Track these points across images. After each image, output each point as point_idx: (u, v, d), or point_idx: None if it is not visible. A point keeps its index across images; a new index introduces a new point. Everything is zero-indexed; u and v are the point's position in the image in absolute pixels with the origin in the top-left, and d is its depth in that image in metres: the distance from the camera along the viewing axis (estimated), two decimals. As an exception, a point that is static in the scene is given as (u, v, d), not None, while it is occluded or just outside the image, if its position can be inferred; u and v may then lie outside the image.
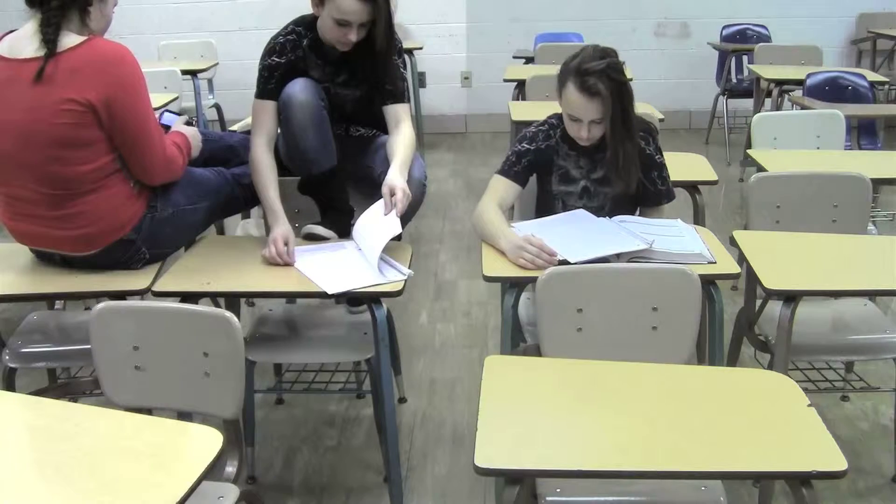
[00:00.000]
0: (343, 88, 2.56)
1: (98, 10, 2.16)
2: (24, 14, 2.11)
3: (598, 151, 2.41)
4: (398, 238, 2.49)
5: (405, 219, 2.46)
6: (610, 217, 2.41)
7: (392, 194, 2.26)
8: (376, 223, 2.28)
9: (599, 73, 2.25)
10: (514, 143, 2.48)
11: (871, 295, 2.53)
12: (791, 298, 2.13)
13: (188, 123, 2.50)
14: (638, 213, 2.50)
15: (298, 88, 2.45)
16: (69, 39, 2.08)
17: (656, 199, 2.47)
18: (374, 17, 2.37)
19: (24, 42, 2.09)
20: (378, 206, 2.30)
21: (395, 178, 2.30)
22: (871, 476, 2.46)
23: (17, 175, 2.15)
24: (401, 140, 2.45)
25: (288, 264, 2.26)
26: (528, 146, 2.43)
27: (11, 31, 2.15)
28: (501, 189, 2.42)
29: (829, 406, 2.78)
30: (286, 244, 2.28)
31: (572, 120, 2.33)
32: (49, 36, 2.05)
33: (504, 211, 2.38)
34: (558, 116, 2.45)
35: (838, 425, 2.67)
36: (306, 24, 2.51)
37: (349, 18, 2.35)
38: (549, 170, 2.45)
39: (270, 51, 2.51)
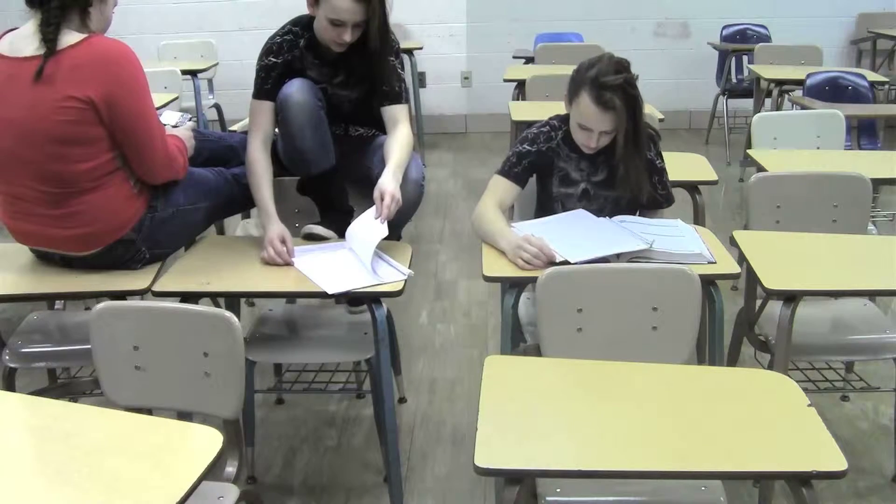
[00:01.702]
0: (340, 89, 2.56)
1: (98, 11, 2.16)
2: (25, 14, 2.12)
3: (599, 154, 2.41)
4: (397, 238, 2.50)
5: (403, 219, 2.47)
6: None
7: (382, 199, 2.27)
8: (367, 227, 2.28)
9: (616, 88, 2.23)
10: (514, 143, 2.48)
11: (871, 295, 2.53)
12: (791, 298, 2.13)
13: (189, 119, 2.51)
14: (637, 215, 2.51)
15: (296, 89, 2.45)
16: (69, 37, 2.08)
17: (656, 203, 2.47)
18: (368, 17, 2.36)
19: (25, 41, 2.10)
20: (371, 211, 2.30)
21: (387, 182, 2.30)
22: (872, 476, 2.46)
23: (18, 173, 2.15)
24: (397, 142, 2.44)
25: (288, 263, 2.27)
26: (529, 147, 2.42)
27: (12, 30, 2.16)
28: (501, 189, 2.41)
29: (829, 406, 2.78)
30: (283, 242, 2.28)
31: (582, 129, 2.33)
32: (49, 35, 2.05)
33: (503, 211, 2.38)
34: (560, 118, 2.45)
35: (838, 425, 2.67)
36: (303, 25, 2.51)
37: (343, 18, 2.35)
38: (549, 172, 2.45)
39: (267, 51, 2.51)
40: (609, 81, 2.23)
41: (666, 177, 2.47)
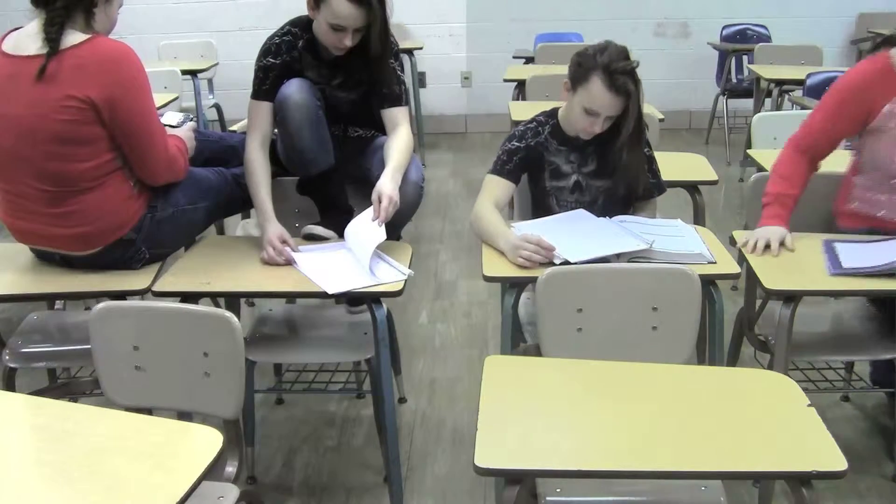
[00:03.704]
0: (339, 90, 2.55)
1: (103, 12, 2.16)
2: (28, 14, 2.12)
3: (588, 145, 2.43)
4: (397, 238, 2.50)
5: (402, 220, 2.47)
6: (603, 210, 2.42)
7: (379, 201, 2.27)
8: (365, 230, 2.28)
9: (628, 74, 2.27)
10: (503, 142, 2.49)
11: (871, 295, 2.53)
12: (791, 298, 2.13)
13: (190, 119, 2.51)
14: (631, 208, 2.52)
15: (294, 89, 2.45)
16: (73, 37, 2.08)
17: (648, 192, 2.49)
18: (369, 21, 2.36)
19: (28, 39, 2.10)
20: (369, 212, 2.30)
21: (385, 184, 2.30)
22: (871, 476, 2.46)
23: (18, 171, 2.15)
24: (396, 144, 2.44)
25: (290, 262, 2.27)
26: (517, 144, 2.44)
27: (16, 29, 2.16)
28: (496, 188, 2.42)
29: (829, 406, 2.78)
30: (283, 242, 2.29)
31: (588, 114, 2.33)
32: (52, 35, 2.06)
33: (501, 210, 2.39)
34: (546, 113, 2.48)
35: (838, 425, 2.67)
36: (302, 26, 2.51)
37: (344, 23, 2.35)
38: (540, 166, 2.46)
39: (266, 51, 2.51)
40: (622, 67, 2.26)
41: (656, 165, 2.50)
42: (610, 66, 2.27)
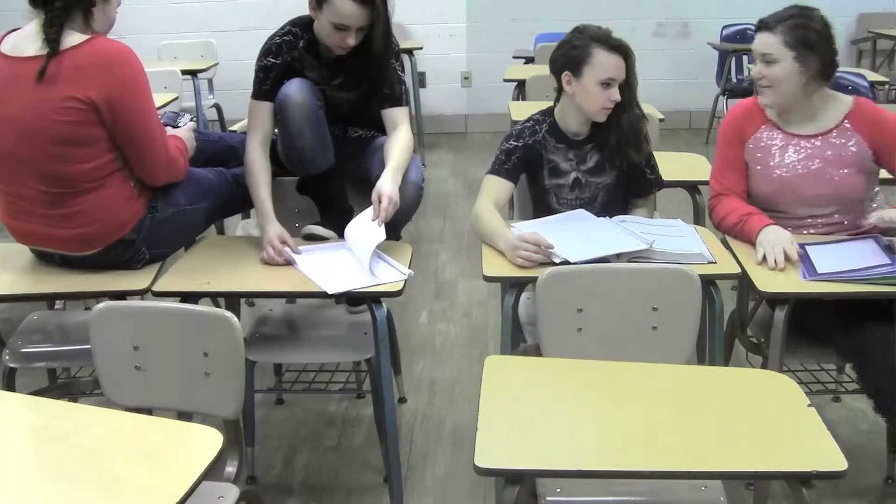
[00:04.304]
0: (339, 91, 2.55)
1: (101, 12, 2.16)
2: (26, 14, 2.12)
3: (587, 142, 2.44)
4: (397, 238, 2.50)
5: (402, 220, 2.47)
6: (603, 207, 2.42)
7: (379, 201, 2.27)
8: (365, 230, 2.28)
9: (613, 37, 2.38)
10: (500, 142, 2.49)
11: (868, 298, 2.51)
12: (784, 301, 2.12)
13: (191, 119, 2.52)
14: (630, 204, 2.53)
15: (295, 89, 2.45)
16: (72, 38, 2.08)
17: (648, 187, 2.49)
18: (372, 20, 2.36)
19: (28, 41, 2.10)
20: (369, 211, 2.30)
21: (385, 184, 2.30)
22: (869, 476, 2.46)
23: (18, 172, 2.15)
24: (397, 144, 2.44)
25: (290, 262, 2.27)
26: (515, 143, 2.45)
27: (14, 30, 2.16)
28: (495, 188, 2.43)
29: (826, 406, 2.77)
30: (283, 242, 2.29)
31: (607, 86, 2.35)
32: (51, 36, 2.06)
33: (500, 209, 2.39)
34: (542, 112, 2.49)
35: (836, 425, 2.67)
36: (303, 26, 2.51)
37: (347, 22, 2.35)
38: (539, 165, 2.47)
39: (266, 51, 2.51)
40: (604, 32, 2.41)
41: (654, 160, 2.52)
42: (602, 34, 2.39)
